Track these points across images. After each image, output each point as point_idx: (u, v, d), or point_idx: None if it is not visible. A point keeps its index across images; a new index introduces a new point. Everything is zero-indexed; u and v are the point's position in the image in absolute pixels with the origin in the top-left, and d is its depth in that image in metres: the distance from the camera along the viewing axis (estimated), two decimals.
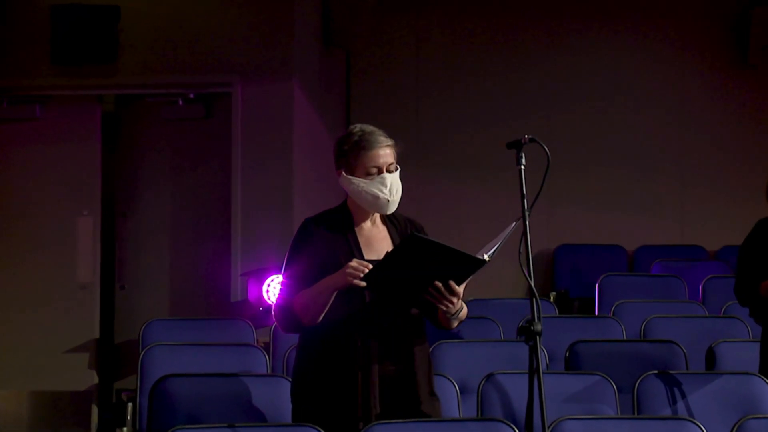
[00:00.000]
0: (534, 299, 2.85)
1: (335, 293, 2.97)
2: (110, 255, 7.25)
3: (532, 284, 2.83)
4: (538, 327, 2.83)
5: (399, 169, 3.12)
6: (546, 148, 2.92)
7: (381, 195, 3.05)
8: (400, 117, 7.47)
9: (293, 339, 4.51)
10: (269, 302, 6.42)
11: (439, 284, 2.90)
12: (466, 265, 2.88)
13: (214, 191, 7.06)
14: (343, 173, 3.09)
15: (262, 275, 6.49)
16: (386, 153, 3.09)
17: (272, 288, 6.44)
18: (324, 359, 3.01)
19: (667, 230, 7.48)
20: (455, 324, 3.07)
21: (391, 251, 2.93)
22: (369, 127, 3.12)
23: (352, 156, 3.07)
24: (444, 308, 2.95)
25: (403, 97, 7.59)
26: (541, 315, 2.87)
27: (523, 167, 2.96)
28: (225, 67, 6.83)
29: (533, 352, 2.84)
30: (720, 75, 7.53)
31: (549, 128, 7.37)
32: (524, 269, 2.86)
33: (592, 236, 7.47)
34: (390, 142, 3.11)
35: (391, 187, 3.07)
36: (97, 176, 7.11)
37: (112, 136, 7.28)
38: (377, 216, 3.15)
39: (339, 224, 3.09)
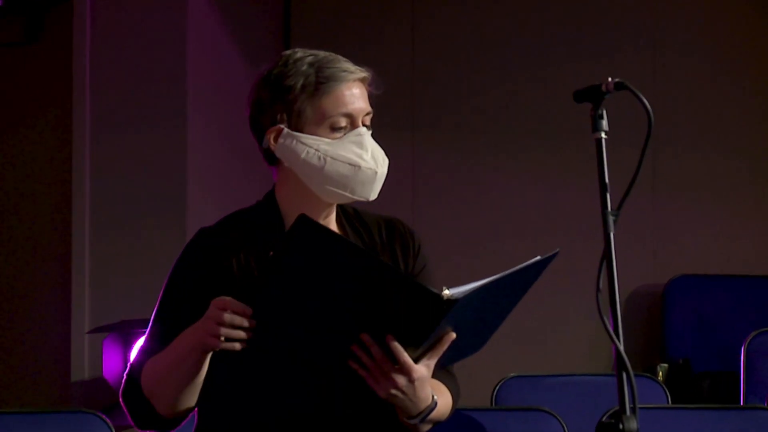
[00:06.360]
0: (625, 374, 2.88)
1: (208, 356, 2.93)
2: None
3: (621, 347, 2.86)
4: (633, 425, 2.87)
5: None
6: (645, 101, 2.93)
7: (362, 163, 3.05)
8: (380, 50, 7.51)
9: None
10: None
11: (367, 338, 2.86)
12: (412, 306, 2.80)
13: (42, 174, 7.07)
14: (285, 130, 3.08)
15: (129, 334, 6.50)
16: (359, 93, 3.10)
17: None
18: None
19: None
20: None
21: (274, 254, 2.83)
22: (323, 52, 3.12)
23: (301, 98, 3.07)
24: (383, 393, 2.90)
25: (387, 16, 7.63)
26: (638, 404, 2.90)
27: (603, 136, 2.98)
28: None
29: None
30: None
31: (645, 78, 7.43)
32: (604, 319, 2.89)
33: (731, 264, 7.53)
34: (364, 74, 3.12)
35: (374, 152, 3.08)
36: None
37: None
38: (330, 215, 3.15)
39: (258, 232, 3.10)
